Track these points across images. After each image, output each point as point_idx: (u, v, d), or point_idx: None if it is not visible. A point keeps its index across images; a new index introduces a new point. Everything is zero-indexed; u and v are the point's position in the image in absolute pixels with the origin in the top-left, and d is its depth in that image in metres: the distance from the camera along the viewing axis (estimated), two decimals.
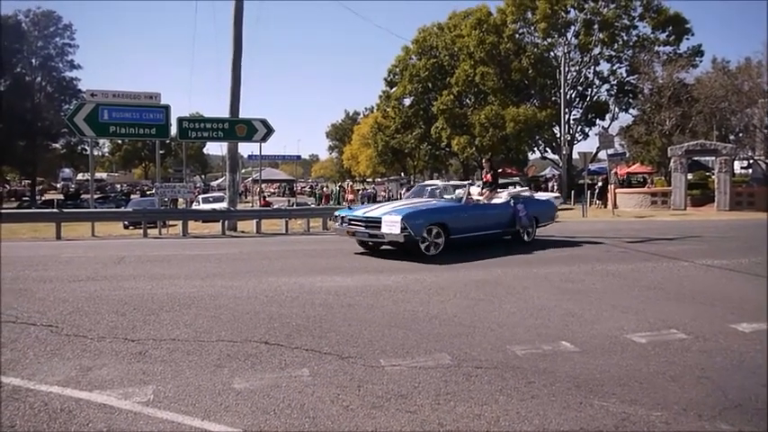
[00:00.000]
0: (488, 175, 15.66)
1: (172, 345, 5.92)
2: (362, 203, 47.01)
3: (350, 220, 13.23)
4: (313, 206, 35.80)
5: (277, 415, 4.26)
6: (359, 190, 51.28)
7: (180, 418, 4.24)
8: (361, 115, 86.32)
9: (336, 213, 14.27)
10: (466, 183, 15.89)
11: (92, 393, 4.63)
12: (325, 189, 54.84)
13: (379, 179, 68.96)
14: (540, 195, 26.52)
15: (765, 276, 9.70)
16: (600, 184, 37.89)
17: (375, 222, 12.39)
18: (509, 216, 14.25)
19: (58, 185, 56.24)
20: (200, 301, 7.93)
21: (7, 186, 58.80)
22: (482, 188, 15.15)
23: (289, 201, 44.16)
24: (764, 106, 33.09)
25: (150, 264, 11.50)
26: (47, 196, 53.54)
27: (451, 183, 17.48)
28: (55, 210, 22.36)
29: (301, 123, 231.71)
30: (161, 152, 27.64)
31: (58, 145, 57.16)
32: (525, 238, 14.56)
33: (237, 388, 4.74)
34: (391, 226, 11.93)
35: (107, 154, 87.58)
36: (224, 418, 4.19)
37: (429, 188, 15.76)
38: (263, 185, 61.79)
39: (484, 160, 17.53)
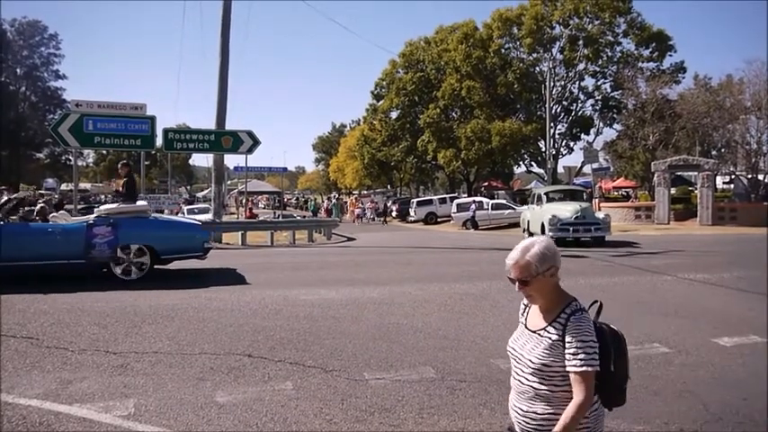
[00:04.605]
0: (121, 184, 13.00)
1: (154, 357, 5.87)
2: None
3: None
4: (298, 218, 35.65)
5: (260, 429, 4.24)
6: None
7: (161, 431, 4.20)
8: (348, 128, 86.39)
9: None
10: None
11: (72, 407, 4.57)
12: (327, 202, 54.40)
13: (365, 192, 68.99)
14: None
15: (749, 291, 9.80)
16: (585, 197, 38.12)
17: None
18: (79, 243, 10.36)
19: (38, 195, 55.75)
20: (183, 313, 7.87)
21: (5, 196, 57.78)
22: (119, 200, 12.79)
23: (274, 213, 44.04)
24: (745, 122, 33.56)
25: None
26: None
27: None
28: None
29: (288, 135, 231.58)
30: (146, 163, 27.49)
31: (41, 155, 56.66)
32: (119, 273, 10.63)
33: (220, 401, 4.71)
34: None
35: (91, 164, 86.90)
36: None
37: None
38: (251, 197, 61.62)
39: (120, 165, 13.77)
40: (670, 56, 41.31)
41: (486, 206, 33.79)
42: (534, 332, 2.44)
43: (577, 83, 42.86)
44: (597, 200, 32.61)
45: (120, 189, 12.95)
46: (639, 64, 40.54)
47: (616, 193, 49.42)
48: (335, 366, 5.61)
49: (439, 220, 39.71)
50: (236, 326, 7.17)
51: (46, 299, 8.67)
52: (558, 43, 42.43)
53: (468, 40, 43.36)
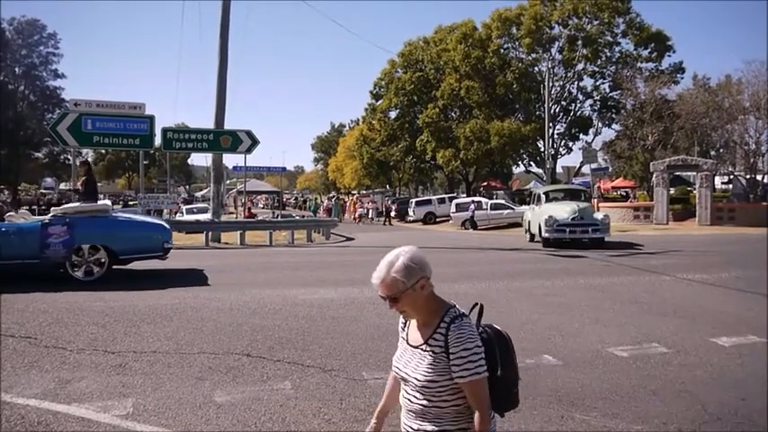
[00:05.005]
0: (80, 183, 12.84)
1: (152, 357, 5.86)
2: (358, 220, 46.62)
3: None
4: (297, 218, 35.67)
5: (258, 428, 4.23)
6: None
7: (160, 431, 4.19)
8: (347, 127, 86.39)
9: None
10: None
11: (70, 406, 4.57)
12: (327, 202, 54.05)
13: (364, 191, 68.99)
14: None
15: (748, 291, 9.80)
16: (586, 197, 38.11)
17: None
18: (34, 243, 10.08)
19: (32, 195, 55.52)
20: (182, 312, 7.87)
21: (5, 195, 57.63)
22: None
23: (273, 212, 43.98)
24: (744, 123, 33.57)
25: (131, 274, 11.39)
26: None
27: None
28: None
29: (287, 135, 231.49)
30: (145, 162, 27.49)
31: (40, 154, 56.57)
32: (75, 273, 10.35)
33: (219, 401, 4.70)
34: None
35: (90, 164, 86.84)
36: None
37: None
38: (251, 197, 61.49)
39: (79, 164, 13.33)
40: (669, 56, 41.42)
41: (484, 206, 33.83)
42: (416, 348, 2.31)
43: (576, 83, 42.92)
44: (596, 200, 32.64)
45: (80, 188, 12.62)
46: (638, 64, 40.61)
47: (615, 194, 49.46)
48: (334, 366, 5.61)
49: (438, 219, 39.73)
50: (235, 325, 7.16)
51: (45, 298, 8.66)
52: (556, 43, 42.48)
53: (467, 40, 43.37)
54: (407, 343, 2.38)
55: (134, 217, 13.62)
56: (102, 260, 10.58)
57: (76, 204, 11.90)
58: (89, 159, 15.91)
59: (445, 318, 2.29)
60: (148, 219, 13.81)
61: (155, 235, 11.46)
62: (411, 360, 2.32)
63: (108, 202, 13.13)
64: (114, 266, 10.89)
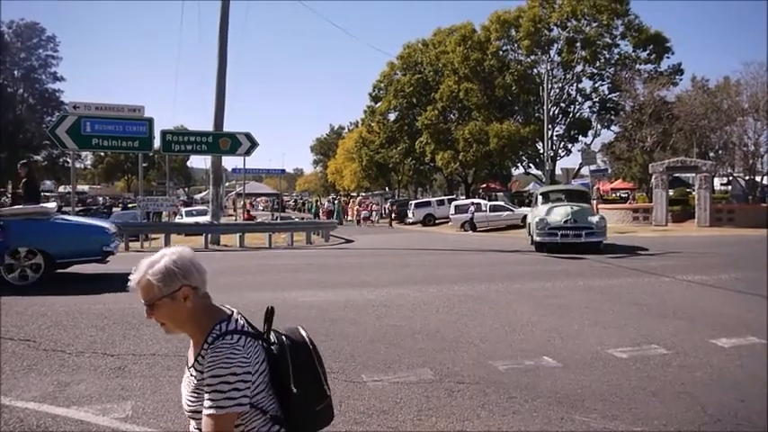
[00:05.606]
0: (21, 185, 12.76)
1: (151, 360, 5.85)
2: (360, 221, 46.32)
3: None
4: (296, 220, 35.64)
5: None
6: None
7: None
8: (346, 130, 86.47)
9: None
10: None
11: (69, 409, 4.56)
12: (328, 204, 53.72)
13: (364, 193, 69.01)
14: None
15: (747, 293, 9.80)
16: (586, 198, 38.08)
17: None
18: None
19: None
20: None
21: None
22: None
23: (272, 214, 43.88)
24: (743, 124, 33.60)
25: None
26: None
27: None
28: None
29: (286, 137, 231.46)
30: (144, 165, 27.48)
31: (39, 157, 56.60)
32: (10, 278, 10.10)
33: None
34: None
35: (89, 166, 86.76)
36: None
37: None
38: (251, 199, 61.46)
39: (19, 166, 13.30)
40: (668, 58, 41.48)
41: (484, 208, 33.82)
42: (189, 369, 1.98)
43: (575, 85, 42.95)
44: (595, 201, 32.63)
45: (20, 190, 12.43)
46: (637, 66, 40.65)
47: (614, 195, 49.50)
48: (333, 368, 5.60)
49: (437, 221, 39.69)
50: None
51: (43, 301, 8.65)
52: (555, 45, 42.53)
53: (466, 43, 43.41)
54: (187, 363, 2.02)
55: (74, 219, 13.26)
56: (39, 264, 10.23)
57: (16, 207, 11.59)
58: (27, 161, 15.58)
59: (208, 337, 1.90)
60: (90, 221, 13.39)
61: (93, 238, 11.10)
62: (185, 384, 1.99)
63: (52, 204, 12.83)
64: (58, 270, 10.68)
